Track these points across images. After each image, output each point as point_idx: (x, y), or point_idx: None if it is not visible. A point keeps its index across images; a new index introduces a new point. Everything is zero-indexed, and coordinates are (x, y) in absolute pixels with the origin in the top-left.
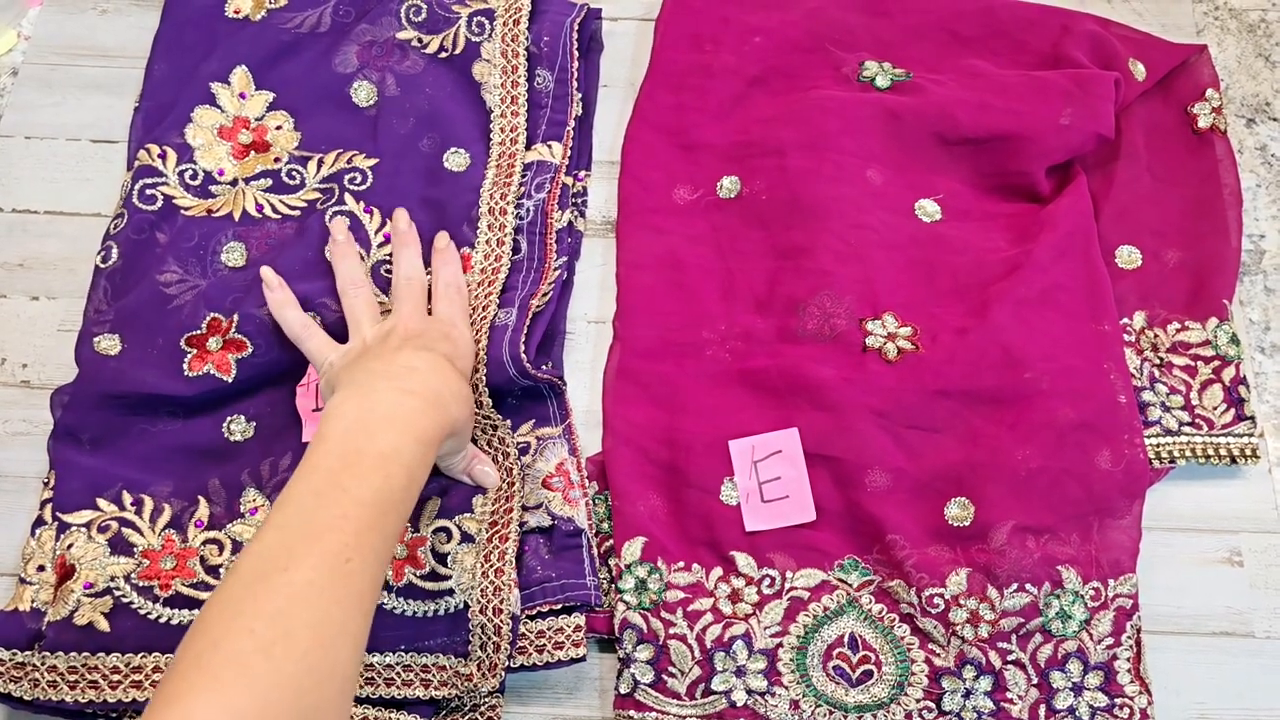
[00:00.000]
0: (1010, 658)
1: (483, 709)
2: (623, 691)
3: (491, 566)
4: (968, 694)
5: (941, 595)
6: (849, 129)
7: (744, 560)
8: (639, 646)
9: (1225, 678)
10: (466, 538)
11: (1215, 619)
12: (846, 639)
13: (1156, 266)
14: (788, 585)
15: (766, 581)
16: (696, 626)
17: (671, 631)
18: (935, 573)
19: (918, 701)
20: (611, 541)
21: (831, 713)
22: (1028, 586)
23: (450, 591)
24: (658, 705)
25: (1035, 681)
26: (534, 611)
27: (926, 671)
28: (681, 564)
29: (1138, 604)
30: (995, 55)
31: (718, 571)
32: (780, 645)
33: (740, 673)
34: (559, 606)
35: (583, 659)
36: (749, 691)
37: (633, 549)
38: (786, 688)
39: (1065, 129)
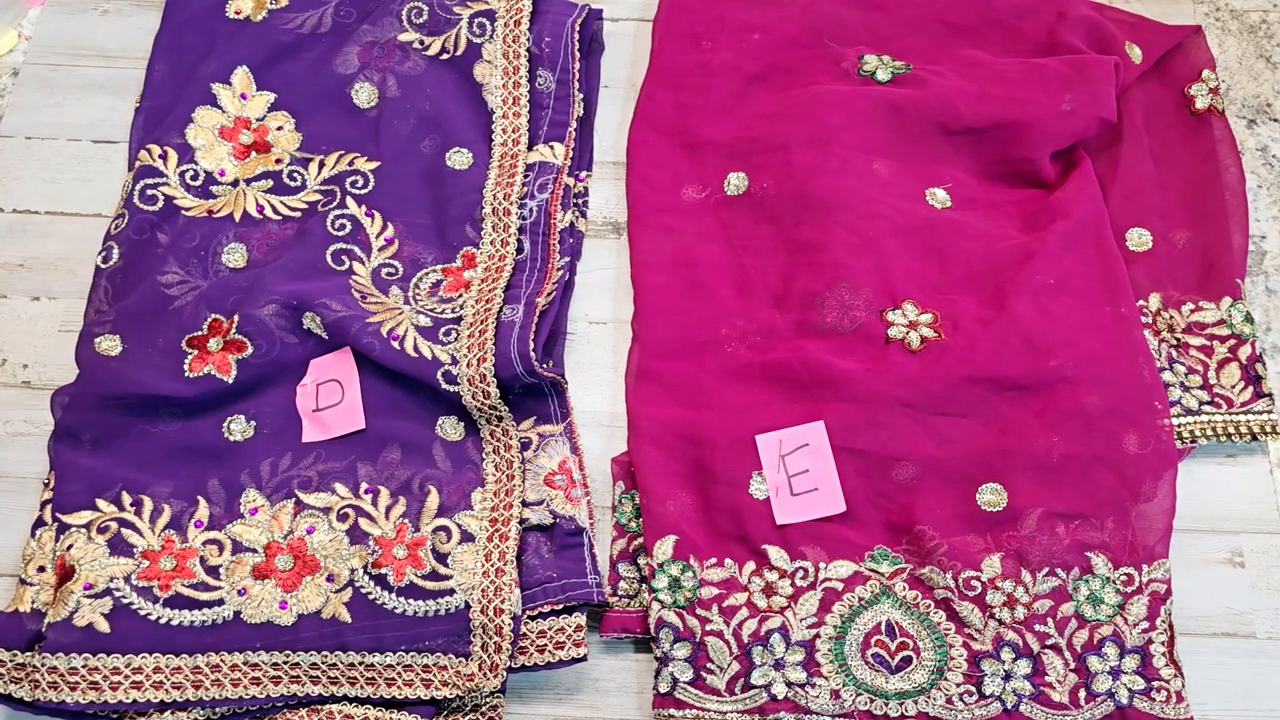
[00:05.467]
0: (1048, 642)
1: (484, 709)
2: (662, 690)
3: (492, 566)
4: (1007, 676)
5: (978, 578)
6: (852, 123)
7: (776, 554)
8: (676, 644)
9: (1226, 678)
10: (467, 537)
11: (1216, 620)
12: (884, 627)
13: (1166, 248)
14: (821, 577)
15: (800, 574)
16: (733, 622)
17: (708, 628)
18: (968, 559)
19: (958, 686)
20: (641, 540)
21: (872, 700)
22: (1058, 571)
23: (451, 591)
24: (698, 702)
25: (1073, 666)
26: (535, 612)
27: (965, 655)
28: (714, 560)
29: (1171, 589)
30: (991, 44)
31: (750, 566)
32: (818, 636)
33: (779, 665)
34: (560, 606)
35: (583, 659)
36: (789, 684)
37: (664, 548)
38: (826, 678)
39: (1067, 115)
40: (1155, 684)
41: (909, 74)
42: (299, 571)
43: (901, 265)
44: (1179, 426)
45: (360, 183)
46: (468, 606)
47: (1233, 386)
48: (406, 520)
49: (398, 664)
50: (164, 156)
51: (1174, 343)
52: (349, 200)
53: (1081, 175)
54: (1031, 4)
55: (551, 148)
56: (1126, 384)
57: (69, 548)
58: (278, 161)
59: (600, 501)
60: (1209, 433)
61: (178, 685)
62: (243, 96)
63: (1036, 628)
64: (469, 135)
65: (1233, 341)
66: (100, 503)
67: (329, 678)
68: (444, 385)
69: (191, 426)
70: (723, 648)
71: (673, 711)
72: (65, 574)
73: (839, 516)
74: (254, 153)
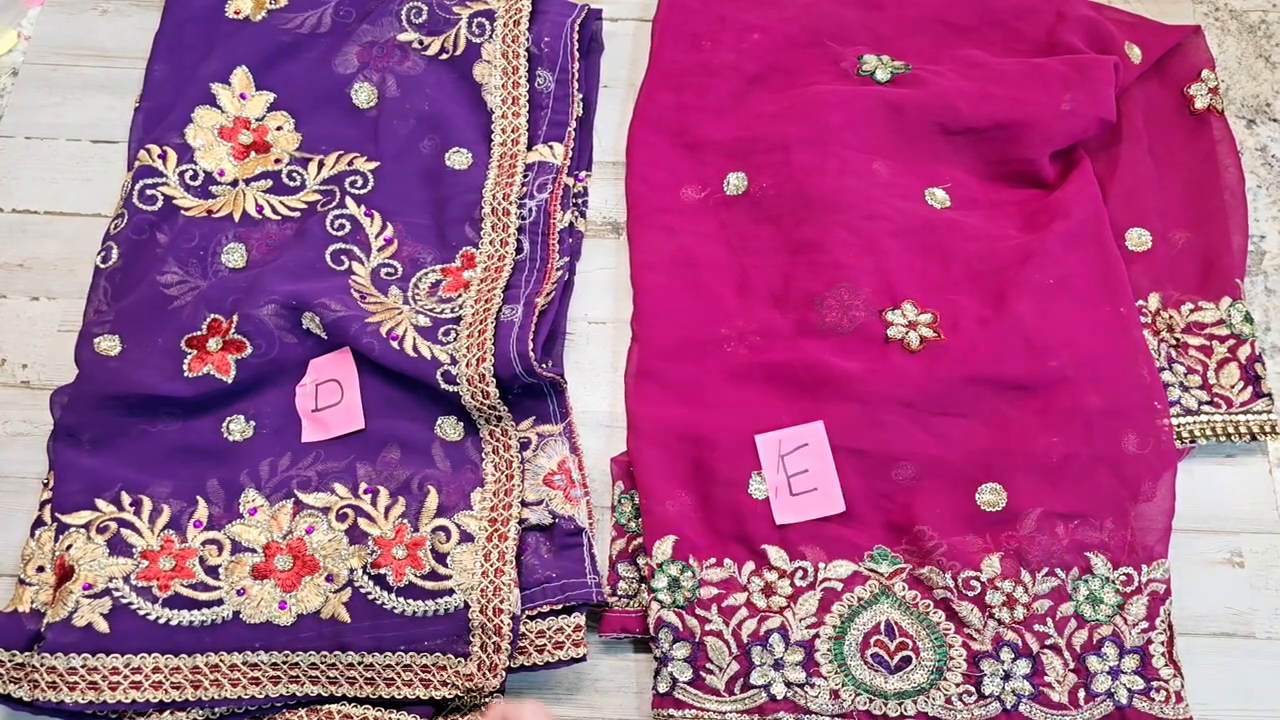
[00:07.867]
0: (1048, 642)
1: (483, 709)
2: (661, 690)
3: (491, 566)
4: (1007, 676)
5: (977, 578)
6: (851, 123)
7: (775, 553)
8: (675, 645)
9: (1226, 678)
10: (466, 537)
11: (1216, 620)
12: (883, 627)
13: (1166, 248)
14: (820, 577)
15: (799, 574)
16: (732, 622)
17: (707, 628)
18: (968, 559)
19: (957, 686)
20: (641, 540)
21: (871, 700)
22: (1057, 571)
23: (450, 591)
24: (696, 702)
25: (1072, 666)
26: (534, 612)
27: (964, 655)
28: (713, 560)
29: (1170, 589)
30: (991, 44)
31: (750, 566)
32: (817, 636)
33: (778, 665)
34: (559, 606)
35: (583, 659)
36: (788, 684)
37: (664, 548)
38: (825, 678)
39: (1067, 115)
40: (1154, 684)
41: (908, 74)
42: (298, 571)
43: (901, 265)
44: (1178, 426)
45: (359, 183)
46: (467, 606)
47: (1232, 386)
48: (406, 520)
49: (397, 664)
50: (163, 156)
51: (1173, 343)
52: (348, 200)
53: (1081, 175)
54: (1031, 4)
55: (551, 147)
56: (1126, 384)
57: (68, 548)
58: (277, 161)
59: (600, 501)
60: (1208, 433)
61: (177, 685)
62: (242, 96)
63: (1036, 628)
64: (468, 135)
65: (1232, 341)
66: (99, 503)
67: (328, 678)
68: (443, 385)
69: (191, 426)
70: (722, 648)
71: (672, 711)
72: (64, 574)
73: (838, 516)
74: (253, 153)
